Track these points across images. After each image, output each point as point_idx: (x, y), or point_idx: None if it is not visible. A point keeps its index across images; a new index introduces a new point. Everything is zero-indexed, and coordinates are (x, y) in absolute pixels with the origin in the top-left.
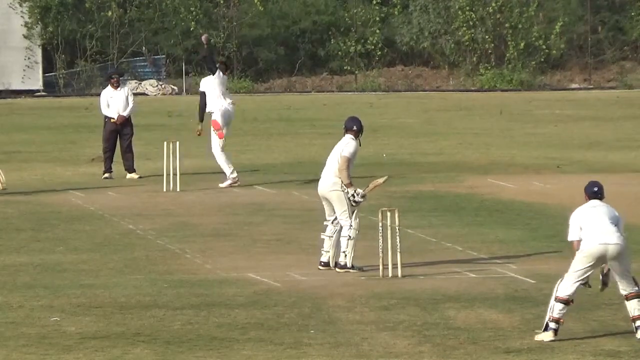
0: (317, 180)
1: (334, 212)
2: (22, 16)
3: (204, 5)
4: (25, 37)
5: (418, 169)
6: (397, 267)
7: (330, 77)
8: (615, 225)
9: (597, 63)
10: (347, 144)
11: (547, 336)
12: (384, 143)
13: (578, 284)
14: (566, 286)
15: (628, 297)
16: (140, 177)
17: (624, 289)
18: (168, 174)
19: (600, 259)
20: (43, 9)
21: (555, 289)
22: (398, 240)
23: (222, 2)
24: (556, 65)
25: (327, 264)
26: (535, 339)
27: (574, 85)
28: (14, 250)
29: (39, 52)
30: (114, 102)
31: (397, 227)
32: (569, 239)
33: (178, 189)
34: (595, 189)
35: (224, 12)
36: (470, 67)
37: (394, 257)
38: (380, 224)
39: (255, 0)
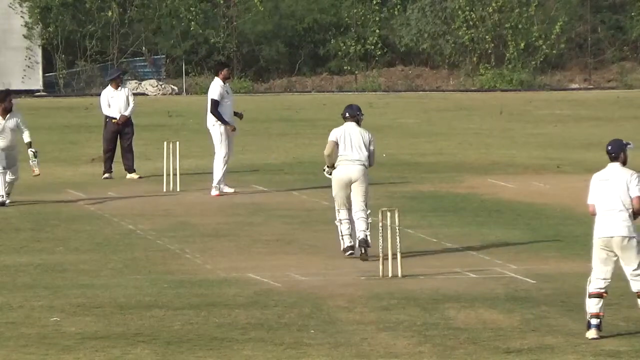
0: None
1: (348, 201)
2: (22, 16)
3: (203, 6)
4: (25, 37)
5: (418, 169)
6: (397, 267)
7: (330, 77)
8: (623, 209)
9: (597, 63)
10: (372, 138)
11: (591, 334)
12: (384, 143)
13: (604, 277)
14: (593, 282)
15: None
16: (140, 177)
17: (634, 283)
18: (168, 174)
19: (610, 249)
20: (43, 9)
21: (587, 288)
22: (398, 240)
23: (221, 2)
24: (556, 65)
25: (353, 247)
26: (587, 336)
27: (574, 85)
28: (14, 250)
29: (39, 52)
30: (115, 102)
31: (397, 227)
32: (588, 202)
33: (178, 189)
34: (608, 147)
35: (224, 11)
36: (470, 67)
37: (394, 257)
38: (380, 224)
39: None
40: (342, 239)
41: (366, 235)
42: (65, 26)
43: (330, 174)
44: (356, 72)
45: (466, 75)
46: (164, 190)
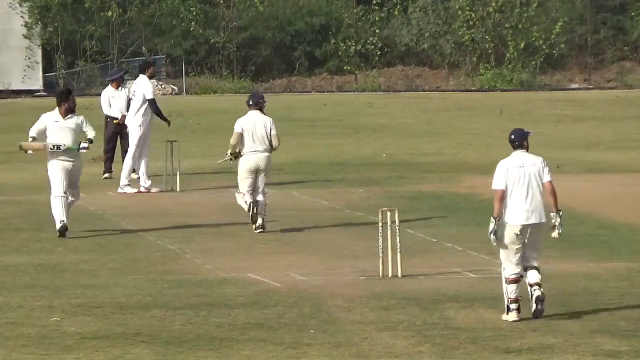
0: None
1: (255, 184)
2: (22, 16)
3: (203, 6)
4: (25, 37)
5: (418, 169)
6: (397, 267)
7: (330, 77)
8: (539, 195)
9: (597, 63)
10: (272, 123)
11: (512, 316)
12: (384, 143)
13: (519, 262)
14: (508, 268)
15: (527, 268)
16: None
17: (526, 262)
18: (168, 174)
19: (523, 237)
20: (43, 9)
21: (502, 275)
22: (398, 240)
23: (221, 2)
24: (556, 65)
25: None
26: (503, 318)
27: (574, 85)
28: (14, 250)
29: (39, 52)
30: (116, 102)
31: (397, 227)
32: (493, 187)
33: (178, 189)
34: (512, 136)
35: (224, 12)
36: (470, 67)
37: (394, 257)
38: (380, 224)
39: (255, 0)
40: (246, 202)
41: (263, 219)
42: (65, 26)
43: (231, 160)
44: (356, 72)
45: (466, 75)
46: (164, 190)
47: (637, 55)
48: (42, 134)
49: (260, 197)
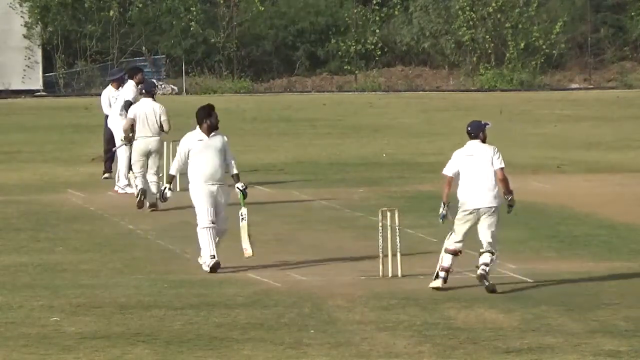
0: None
1: (147, 166)
2: (22, 16)
3: (203, 5)
4: (25, 37)
5: (418, 169)
6: (397, 267)
7: (330, 77)
8: (490, 181)
9: (597, 63)
10: (162, 109)
11: (437, 283)
12: (384, 143)
13: (463, 239)
14: (452, 240)
15: (481, 253)
16: None
17: (480, 247)
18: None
19: (475, 217)
20: (43, 9)
21: (444, 243)
22: (398, 240)
23: (221, 1)
24: (556, 65)
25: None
26: (429, 286)
27: (574, 85)
28: (14, 250)
29: (39, 52)
30: (116, 102)
31: (397, 227)
32: (443, 172)
33: (178, 189)
34: (468, 128)
35: (224, 11)
36: (470, 67)
37: (394, 257)
38: (380, 224)
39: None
40: (136, 186)
41: (156, 199)
42: (65, 26)
43: (126, 144)
44: (356, 72)
45: (466, 75)
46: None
47: (637, 55)
48: (186, 162)
49: (153, 178)
